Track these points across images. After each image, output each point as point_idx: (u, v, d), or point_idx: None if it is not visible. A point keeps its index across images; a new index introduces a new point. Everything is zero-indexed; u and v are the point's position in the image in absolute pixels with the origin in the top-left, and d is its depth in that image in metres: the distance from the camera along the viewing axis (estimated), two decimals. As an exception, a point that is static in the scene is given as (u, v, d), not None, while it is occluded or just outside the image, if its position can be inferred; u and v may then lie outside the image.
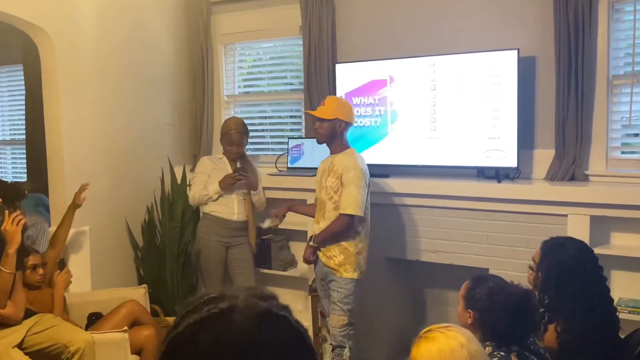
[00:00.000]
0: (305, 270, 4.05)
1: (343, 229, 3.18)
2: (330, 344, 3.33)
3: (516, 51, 3.37)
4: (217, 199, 3.81)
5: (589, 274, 2.33)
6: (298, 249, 4.31)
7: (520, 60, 3.37)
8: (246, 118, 4.32)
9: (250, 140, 4.08)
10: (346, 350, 3.23)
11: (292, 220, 4.22)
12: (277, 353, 0.75)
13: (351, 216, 3.15)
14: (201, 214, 3.97)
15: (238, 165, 3.91)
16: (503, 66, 3.42)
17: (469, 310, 2.15)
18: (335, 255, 3.23)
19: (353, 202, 3.13)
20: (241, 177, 3.74)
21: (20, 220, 2.85)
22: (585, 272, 2.33)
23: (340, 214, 3.16)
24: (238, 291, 0.80)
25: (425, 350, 1.59)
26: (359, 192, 3.15)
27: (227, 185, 3.76)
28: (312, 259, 3.35)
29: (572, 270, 2.33)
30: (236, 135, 3.83)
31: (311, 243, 3.32)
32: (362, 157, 3.30)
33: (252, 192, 3.88)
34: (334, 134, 3.23)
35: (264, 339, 0.75)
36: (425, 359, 1.58)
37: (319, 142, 3.32)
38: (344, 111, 3.25)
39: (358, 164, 3.20)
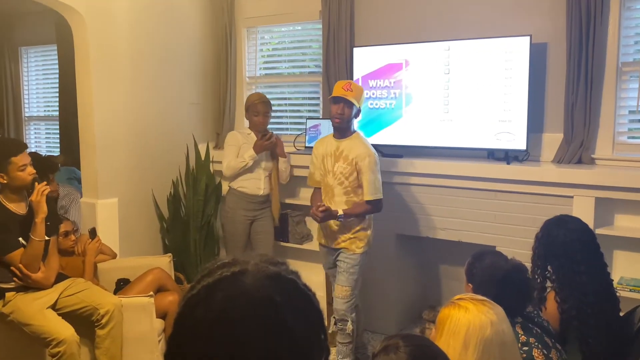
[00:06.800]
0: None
1: (371, 212, 3.15)
2: (333, 317, 3.19)
3: (528, 37, 3.27)
4: (245, 174, 3.71)
5: (576, 252, 2.22)
6: (314, 224, 4.25)
7: (532, 47, 3.28)
8: (266, 99, 4.26)
9: (270, 119, 3.96)
10: (349, 324, 3.10)
11: (309, 197, 4.15)
12: (286, 311, 0.74)
13: (376, 200, 3.09)
14: (228, 189, 3.89)
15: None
16: (515, 52, 3.32)
17: (469, 284, 2.12)
18: (346, 236, 3.15)
19: (372, 188, 3.07)
20: (272, 137, 3.65)
21: (43, 191, 2.78)
22: (571, 250, 2.22)
23: (365, 201, 3.07)
24: (250, 257, 0.80)
25: (455, 317, 1.50)
26: (376, 177, 3.08)
27: (262, 148, 3.65)
28: (320, 217, 3.05)
29: (559, 244, 2.24)
30: (261, 106, 3.70)
31: (339, 213, 3.06)
32: (367, 139, 3.21)
33: (282, 159, 3.79)
34: (351, 119, 3.13)
35: (273, 298, 0.74)
36: (453, 325, 1.49)
37: (340, 126, 3.11)
38: (363, 98, 3.19)
39: (370, 149, 3.10)
